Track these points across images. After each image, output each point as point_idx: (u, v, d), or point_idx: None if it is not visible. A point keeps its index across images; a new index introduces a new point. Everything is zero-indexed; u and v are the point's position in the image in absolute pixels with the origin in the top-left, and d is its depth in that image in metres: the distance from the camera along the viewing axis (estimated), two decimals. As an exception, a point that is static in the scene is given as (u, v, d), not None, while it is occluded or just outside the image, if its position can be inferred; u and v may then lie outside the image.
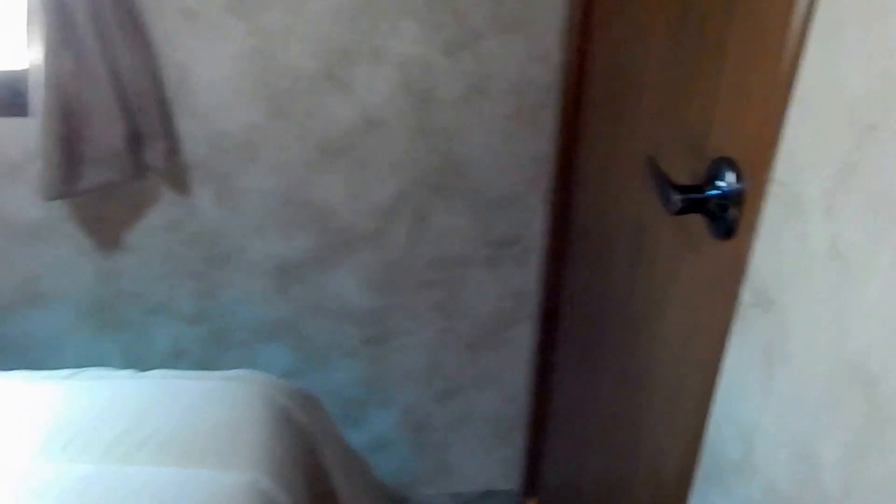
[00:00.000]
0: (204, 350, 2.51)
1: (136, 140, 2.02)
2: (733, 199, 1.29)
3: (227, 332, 2.50)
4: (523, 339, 2.64)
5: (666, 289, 1.58)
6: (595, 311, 2.06)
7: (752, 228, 1.22)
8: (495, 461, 2.92)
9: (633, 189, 1.72)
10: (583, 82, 2.01)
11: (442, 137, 2.21)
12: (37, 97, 1.89)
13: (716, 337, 1.34)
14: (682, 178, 1.43)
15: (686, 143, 1.46)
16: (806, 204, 1.05)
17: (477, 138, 2.22)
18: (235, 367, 1.99)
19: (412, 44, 2.03)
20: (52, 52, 1.82)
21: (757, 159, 1.20)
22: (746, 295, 1.24)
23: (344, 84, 2.09)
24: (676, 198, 1.33)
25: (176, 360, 2.52)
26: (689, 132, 1.45)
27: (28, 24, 1.84)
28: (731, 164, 1.31)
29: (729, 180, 1.32)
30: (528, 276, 2.50)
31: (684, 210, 1.35)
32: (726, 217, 1.31)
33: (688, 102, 1.45)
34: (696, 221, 1.44)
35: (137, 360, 2.49)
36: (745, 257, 1.23)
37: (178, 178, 2.21)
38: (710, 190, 1.33)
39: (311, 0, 1.95)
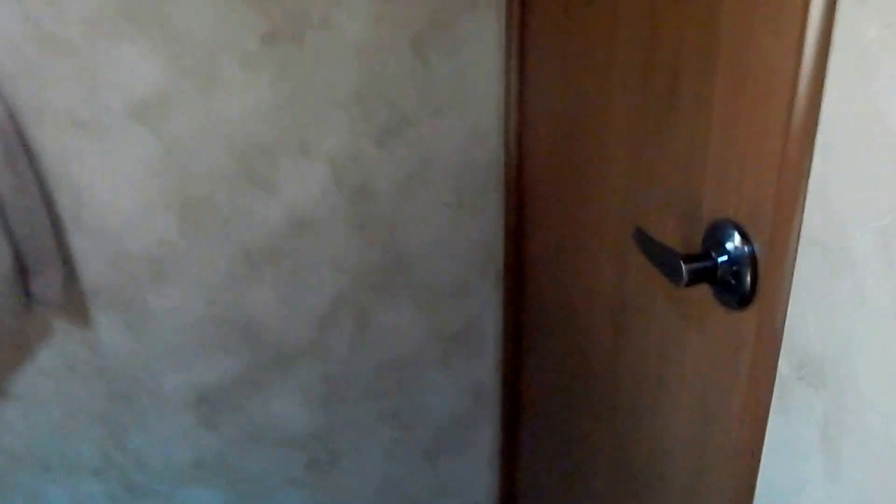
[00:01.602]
0: (119, 508, 2.14)
1: (22, 270, 1.73)
2: (745, 263, 1.17)
3: (141, 481, 2.15)
4: (485, 440, 2.43)
5: (667, 369, 1.43)
6: (571, 402, 1.89)
7: (778, 293, 1.09)
8: (468, 581, 2.63)
9: (607, 264, 1.60)
10: (526, 158, 1.90)
11: (381, 232, 2.04)
12: None
13: (748, 419, 1.20)
14: (675, 247, 1.31)
15: (673, 208, 1.35)
16: (858, 260, 0.93)
17: (419, 229, 2.06)
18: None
19: (342, 136, 1.87)
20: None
21: (773, 218, 1.09)
22: (785, 367, 1.10)
23: (268, 185, 1.89)
24: (685, 268, 1.20)
25: (86, 525, 2.13)
26: (676, 196, 1.34)
27: None
28: (734, 226, 1.20)
29: (734, 244, 1.20)
30: (485, 370, 2.32)
31: (693, 281, 1.22)
32: (740, 284, 1.19)
33: (670, 165, 1.35)
34: (698, 291, 1.31)
35: (39, 533, 2.08)
36: (777, 325, 1.10)
37: (76, 308, 1.91)
38: (719, 256, 1.21)
39: (227, 98, 1.76)
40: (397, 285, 2.14)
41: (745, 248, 1.18)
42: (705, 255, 1.22)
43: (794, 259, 1.06)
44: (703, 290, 1.29)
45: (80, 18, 1.62)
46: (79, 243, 1.85)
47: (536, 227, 1.96)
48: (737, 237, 1.19)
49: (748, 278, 1.17)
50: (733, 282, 1.20)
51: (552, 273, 1.91)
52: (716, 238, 1.24)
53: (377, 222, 2.04)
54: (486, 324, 2.26)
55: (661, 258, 1.26)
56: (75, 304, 1.91)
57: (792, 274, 1.07)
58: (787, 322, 1.09)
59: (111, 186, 1.81)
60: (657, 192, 1.39)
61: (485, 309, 2.24)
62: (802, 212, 1.03)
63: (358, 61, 1.79)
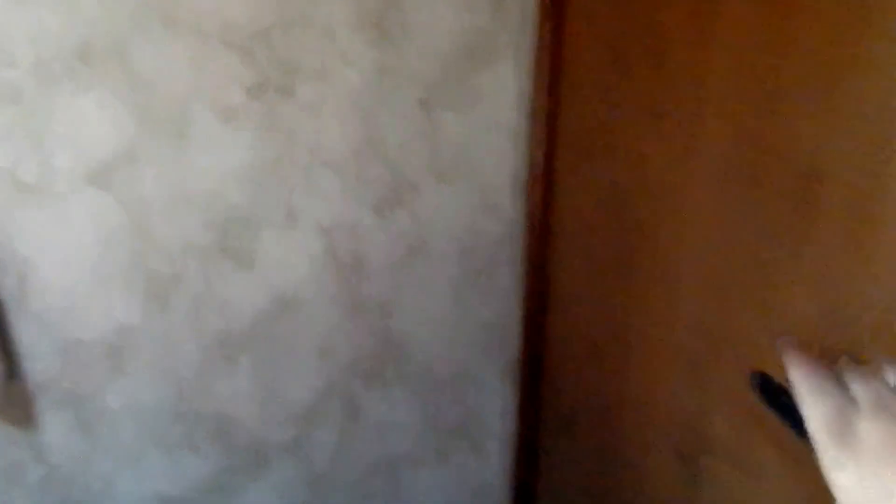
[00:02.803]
0: None
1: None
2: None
3: None
4: (491, 550, 2.12)
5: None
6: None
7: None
8: None
9: (676, 385, 1.31)
10: (553, 233, 1.66)
11: (376, 313, 1.78)
12: None
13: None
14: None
15: (786, 331, 1.07)
16: None
17: (419, 309, 1.80)
18: None
19: (335, 203, 1.63)
20: None
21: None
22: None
23: (247, 259, 1.63)
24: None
25: None
26: (812, 324, 1.04)
27: None
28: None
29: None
30: (490, 470, 2.03)
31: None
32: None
33: (802, 286, 1.05)
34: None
35: None
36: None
37: (19, 407, 1.60)
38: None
39: (202, 157, 1.50)
40: (392, 373, 1.88)
41: None
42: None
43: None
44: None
45: (26, 58, 1.37)
46: (23, 331, 1.56)
47: (565, 316, 1.71)
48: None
49: None
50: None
51: (585, 374, 1.65)
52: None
53: (372, 302, 1.78)
54: (490, 417, 1.98)
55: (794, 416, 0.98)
56: (18, 402, 1.61)
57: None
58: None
59: (62, 263, 1.53)
60: (778, 317, 1.10)
61: (490, 400, 1.97)
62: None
63: (357, 117, 1.55)
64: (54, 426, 1.66)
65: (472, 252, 1.78)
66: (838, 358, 0.45)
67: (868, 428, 0.37)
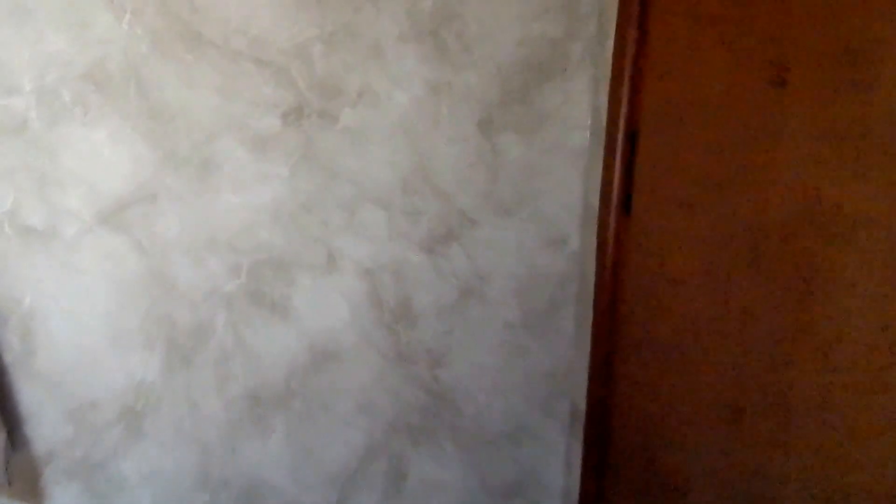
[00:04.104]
0: None
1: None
2: None
3: None
4: None
5: None
6: None
7: None
8: None
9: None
10: (626, 270, 1.45)
11: (423, 363, 1.58)
12: None
13: None
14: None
15: None
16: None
17: (471, 357, 1.60)
18: None
19: (380, 242, 1.43)
20: None
21: None
22: None
23: (281, 307, 1.44)
24: None
25: None
26: None
27: None
28: None
29: None
30: (551, 536, 1.80)
31: None
32: None
33: None
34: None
35: None
36: None
37: (23, 479, 1.41)
38: None
39: (231, 195, 1.32)
40: (442, 428, 1.67)
41: None
42: None
43: None
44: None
45: (30, 84, 1.19)
46: (28, 393, 1.38)
47: (638, 363, 1.49)
48: None
49: None
50: None
51: (661, 429, 1.43)
52: None
53: (419, 350, 1.58)
54: (550, 476, 1.76)
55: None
56: (23, 473, 1.42)
57: None
58: None
59: (72, 315, 1.34)
60: None
61: (550, 457, 1.75)
62: None
63: (406, 144, 1.36)
64: (63, 499, 1.47)
65: (531, 292, 1.58)
66: None
67: None
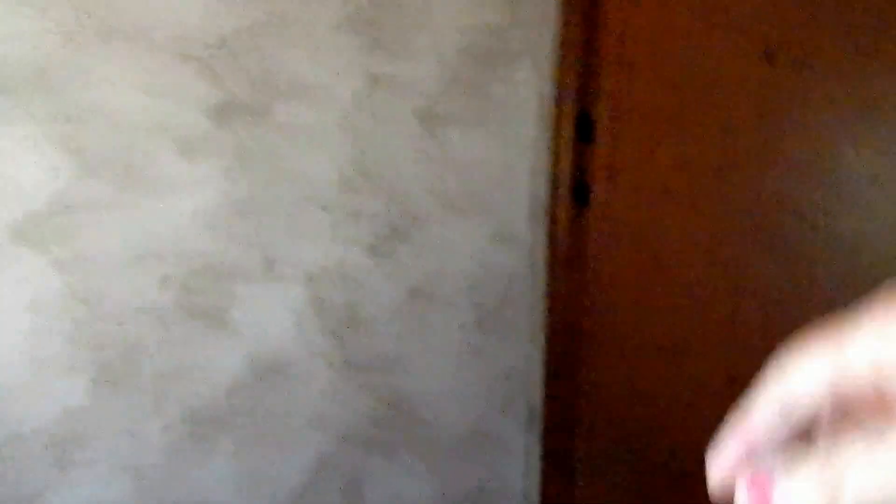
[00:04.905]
0: None
1: None
2: None
3: None
4: None
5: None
6: None
7: None
8: None
9: None
10: (582, 260, 1.41)
11: (375, 370, 1.53)
12: None
13: None
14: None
15: None
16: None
17: (426, 362, 1.55)
18: None
19: (323, 245, 1.36)
20: None
21: None
22: None
23: (218, 319, 1.35)
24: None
25: None
26: None
27: None
28: None
29: None
30: (516, 542, 1.75)
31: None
32: None
33: None
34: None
35: None
36: None
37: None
38: None
39: (159, 201, 1.22)
40: (398, 438, 1.62)
41: None
42: None
43: None
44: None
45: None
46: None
47: (601, 355, 1.45)
48: None
49: None
50: None
51: (628, 421, 1.40)
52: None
53: (369, 358, 1.52)
54: (511, 479, 1.72)
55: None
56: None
57: None
58: None
59: (-16, 340, 1.22)
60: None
61: (510, 459, 1.71)
62: None
63: (345, 140, 1.29)
64: (-14, 541, 1.35)
65: (484, 291, 1.53)
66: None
67: None
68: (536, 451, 1.71)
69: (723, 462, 0.26)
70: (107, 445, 1.41)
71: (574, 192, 1.31)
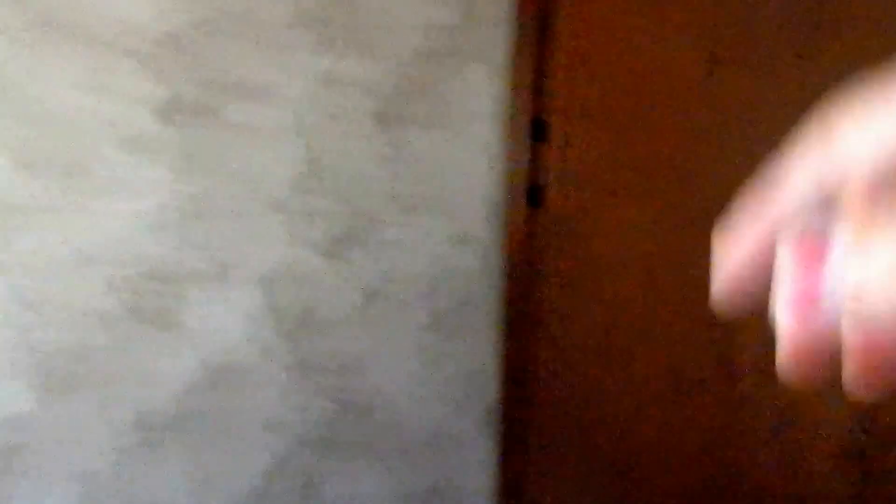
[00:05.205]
0: None
1: None
2: None
3: None
4: None
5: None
6: None
7: None
8: None
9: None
10: (536, 263, 1.41)
11: (330, 373, 1.50)
12: None
13: None
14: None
15: None
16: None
17: (382, 364, 1.53)
18: None
19: (277, 247, 1.33)
20: None
21: None
22: None
23: (170, 324, 1.32)
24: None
25: None
26: None
27: None
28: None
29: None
30: (474, 542, 1.75)
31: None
32: None
33: None
34: None
35: None
36: None
37: None
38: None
39: (105, 203, 1.18)
40: (355, 439, 1.60)
41: None
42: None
43: None
44: None
45: None
46: None
47: (555, 354, 1.45)
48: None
49: None
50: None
51: (583, 418, 1.40)
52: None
53: (326, 360, 1.49)
54: (469, 478, 1.71)
55: None
56: None
57: None
58: None
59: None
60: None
61: (468, 459, 1.70)
62: None
63: (299, 141, 1.27)
64: (-75, 555, 1.30)
65: (442, 292, 1.52)
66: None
67: None
68: (494, 451, 1.70)
69: (750, 235, 0.23)
70: (54, 453, 1.36)
71: (529, 194, 1.30)
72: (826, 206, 0.22)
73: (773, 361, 1.15)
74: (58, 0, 1.07)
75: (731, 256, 0.24)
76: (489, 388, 1.65)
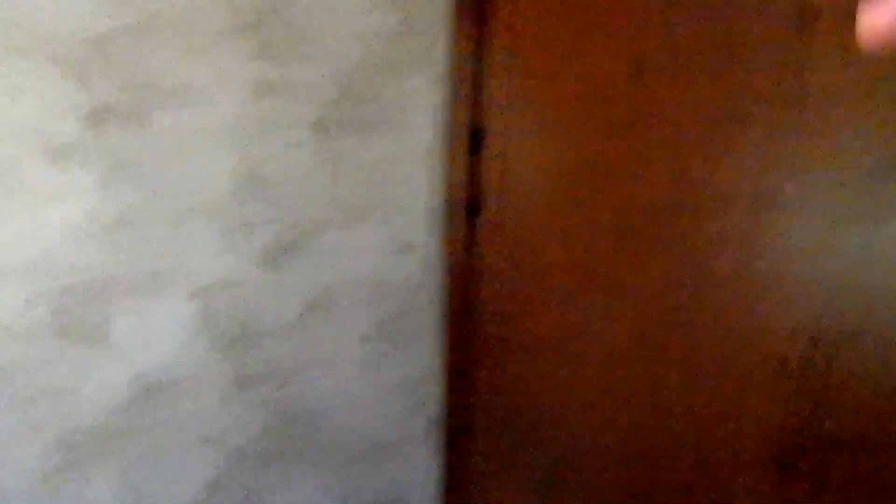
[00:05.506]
0: None
1: None
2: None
3: None
4: None
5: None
6: None
7: None
8: None
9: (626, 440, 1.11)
10: (476, 271, 1.40)
11: (269, 385, 1.47)
12: None
13: None
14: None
15: None
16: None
17: (323, 375, 1.50)
18: None
19: (212, 258, 1.29)
20: None
21: None
22: None
23: (97, 338, 1.26)
24: None
25: None
26: None
27: None
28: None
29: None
30: (419, 551, 1.74)
31: None
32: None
33: None
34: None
35: None
36: None
37: None
38: None
39: (28, 212, 1.12)
40: (296, 452, 1.56)
41: None
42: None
43: None
44: None
45: None
46: None
47: (495, 363, 1.45)
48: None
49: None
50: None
51: (522, 426, 1.40)
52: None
53: (264, 372, 1.46)
54: (414, 489, 1.69)
55: None
56: None
57: None
58: None
59: None
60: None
61: (412, 470, 1.68)
62: None
63: (234, 149, 1.22)
64: None
65: (383, 301, 1.49)
66: None
67: None
68: (437, 459, 1.69)
69: None
70: (-29, 476, 1.29)
71: (468, 202, 1.29)
72: None
73: (702, 369, 1.17)
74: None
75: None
76: (432, 396, 1.63)
